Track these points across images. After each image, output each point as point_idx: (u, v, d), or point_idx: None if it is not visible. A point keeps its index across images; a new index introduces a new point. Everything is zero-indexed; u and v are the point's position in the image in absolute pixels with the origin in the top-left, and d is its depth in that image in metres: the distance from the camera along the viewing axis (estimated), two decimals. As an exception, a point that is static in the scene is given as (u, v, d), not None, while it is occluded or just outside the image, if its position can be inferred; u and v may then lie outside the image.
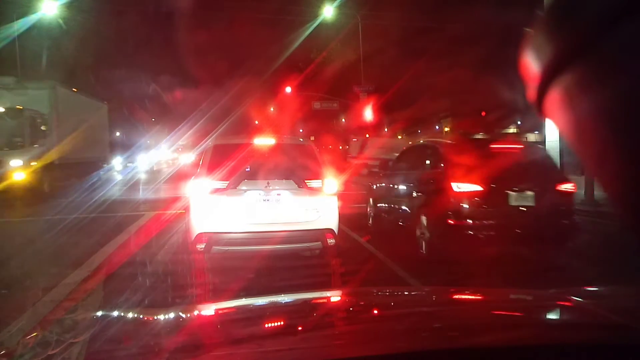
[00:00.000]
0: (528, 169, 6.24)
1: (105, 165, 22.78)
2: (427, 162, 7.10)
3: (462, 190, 5.91)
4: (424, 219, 6.40)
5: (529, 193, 5.93)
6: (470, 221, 5.89)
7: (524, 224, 5.87)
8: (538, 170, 6.34)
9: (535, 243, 5.86)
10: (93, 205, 11.37)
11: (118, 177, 23.82)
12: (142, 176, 24.95)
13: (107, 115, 23.73)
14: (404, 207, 7.25)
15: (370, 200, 8.88)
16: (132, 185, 19.22)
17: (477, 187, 5.87)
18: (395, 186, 7.81)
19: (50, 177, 15.56)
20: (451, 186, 5.94)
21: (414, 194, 6.93)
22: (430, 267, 5.79)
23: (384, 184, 8.43)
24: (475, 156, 6.26)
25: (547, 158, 7.15)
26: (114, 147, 29.04)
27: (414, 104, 25.14)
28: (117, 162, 29.67)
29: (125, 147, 34.56)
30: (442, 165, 6.50)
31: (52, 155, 15.55)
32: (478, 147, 7.10)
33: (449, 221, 5.93)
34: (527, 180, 6.01)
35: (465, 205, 5.90)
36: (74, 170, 17.49)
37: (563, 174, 6.89)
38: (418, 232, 6.49)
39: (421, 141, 8.67)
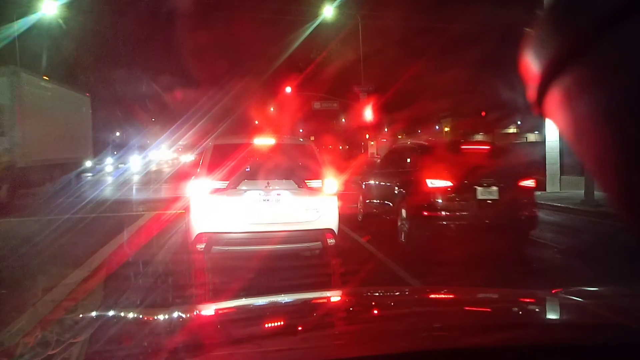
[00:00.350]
0: (494, 166, 6.96)
1: (86, 166, 19.74)
2: (407, 161, 7.90)
3: (435, 185, 6.67)
4: (403, 211, 7.19)
5: (494, 188, 6.66)
6: (443, 212, 6.66)
7: (490, 215, 6.61)
8: (503, 168, 7.01)
9: (500, 232, 6.61)
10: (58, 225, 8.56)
11: (107, 180, 21.92)
12: (135, 178, 23.50)
13: (90, 110, 20.09)
14: (387, 202, 7.97)
15: (361, 197, 9.53)
16: (122, 190, 17.68)
17: (448, 183, 6.65)
18: (381, 184, 8.57)
19: (12, 183, 12.93)
20: (425, 182, 6.70)
21: (396, 190, 7.67)
22: (430, 267, 5.79)
23: (371, 182, 9.14)
24: (447, 155, 7.19)
25: (513, 157, 7.95)
26: (103, 146, 27.18)
27: (414, 104, 25.12)
28: (108, 162, 28.14)
29: (117, 146, 33.64)
30: (418, 163, 7.29)
31: (14, 156, 12.99)
32: (450, 148, 7.95)
33: (424, 213, 6.71)
34: (492, 176, 6.74)
35: (438, 199, 6.66)
36: (46, 174, 14.58)
37: (526, 171, 7.53)
38: (399, 224, 7.25)
39: (408, 142, 9.50)
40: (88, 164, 21.46)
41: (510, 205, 6.62)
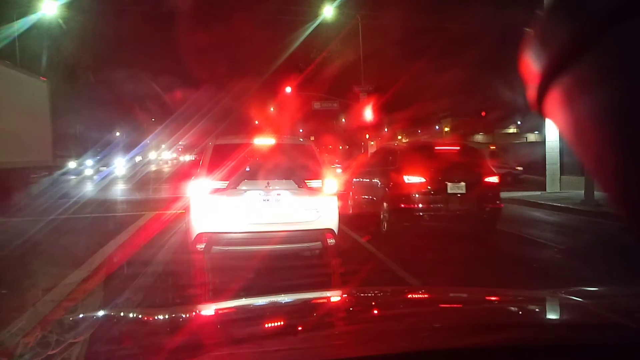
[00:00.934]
0: (462, 164, 7.96)
1: (47, 173, 15.07)
2: (388, 160, 8.82)
3: (411, 181, 7.70)
4: (385, 204, 8.15)
5: (462, 183, 7.64)
6: (418, 205, 7.63)
7: (459, 207, 7.60)
8: (470, 166, 8.01)
9: (467, 222, 7.71)
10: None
11: (84, 187, 18.09)
12: (121, 184, 20.45)
13: (48, 99, 15.17)
14: (372, 197, 8.96)
15: (350, 193, 10.41)
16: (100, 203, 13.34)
17: (422, 179, 7.68)
18: (367, 181, 9.55)
19: None
20: (403, 179, 7.73)
21: (379, 186, 8.69)
22: (430, 267, 5.80)
23: (359, 180, 10.15)
24: (422, 155, 8.26)
25: (480, 156, 8.93)
26: (81, 145, 24.53)
27: (414, 104, 25.13)
28: (88, 165, 25.25)
29: (103, 146, 29.70)
30: (397, 162, 8.27)
31: None
32: (424, 148, 9.05)
33: (402, 205, 7.68)
34: (460, 173, 7.71)
35: (414, 193, 7.65)
36: None
37: (490, 169, 8.33)
38: (381, 216, 8.17)
39: (395, 144, 10.84)
40: (72, 165, 18.90)
41: (476, 199, 7.61)
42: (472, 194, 7.56)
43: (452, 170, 7.72)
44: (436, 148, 8.73)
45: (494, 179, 7.96)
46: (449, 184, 7.58)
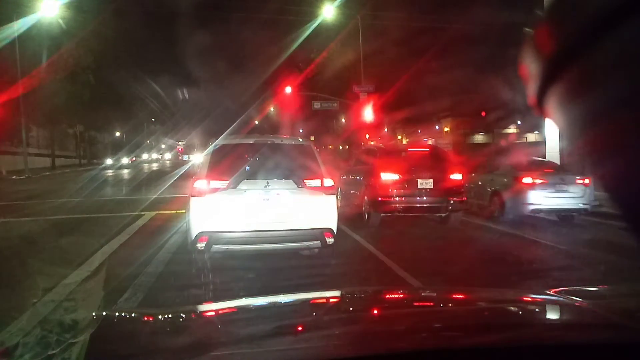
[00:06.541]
0: (430, 163, 9.21)
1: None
2: (369, 159, 9.98)
3: (387, 178, 8.86)
4: (366, 198, 9.23)
5: (430, 180, 8.79)
6: (393, 198, 8.78)
7: (427, 200, 8.82)
8: (437, 164, 9.23)
9: (435, 212, 8.97)
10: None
11: None
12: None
13: None
14: (355, 192, 10.06)
15: (339, 189, 10.92)
16: None
17: (396, 176, 8.86)
18: (352, 177, 10.71)
19: None
20: (380, 175, 8.90)
21: (361, 182, 9.80)
22: (430, 266, 5.80)
23: (346, 177, 11.24)
24: (396, 155, 9.81)
25: (447, 155, 10.20)
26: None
27: (414, 104, 25.11)
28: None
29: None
30: (376, 161, 9.45)
31: None
32: (399, 149, 11.37)
33: (379, 199, 8.80)
34: (429, 171, 8.91)
35: (390, 188, 8.79)
36: None
37: (456, 167, 9.39)
38: (363, 208, 9.28)
39: (381, 145, 12.21)
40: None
41: (442, 193, 8.74)
42: (439, 188, 8.74)
43: (422, 168, 8.92)
44: (409, 149, 10.50)
45: (457, 176, 9.11)
46: (419, 180, 8.77)
